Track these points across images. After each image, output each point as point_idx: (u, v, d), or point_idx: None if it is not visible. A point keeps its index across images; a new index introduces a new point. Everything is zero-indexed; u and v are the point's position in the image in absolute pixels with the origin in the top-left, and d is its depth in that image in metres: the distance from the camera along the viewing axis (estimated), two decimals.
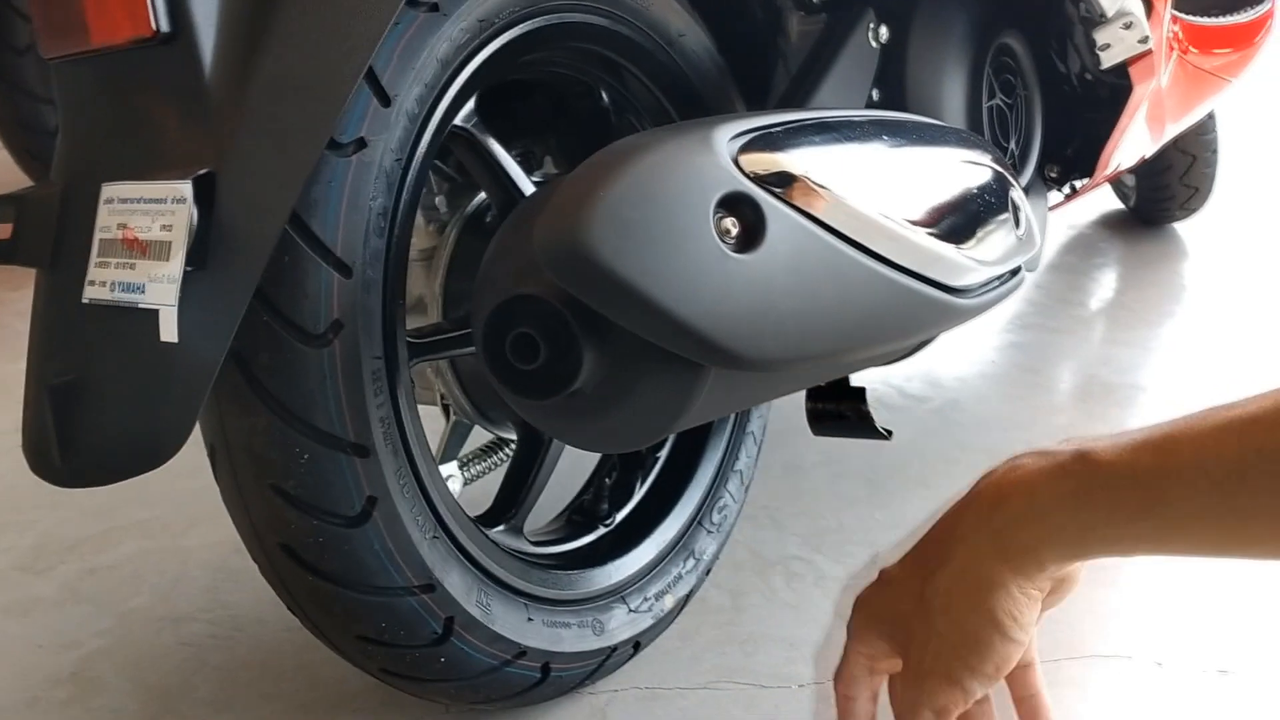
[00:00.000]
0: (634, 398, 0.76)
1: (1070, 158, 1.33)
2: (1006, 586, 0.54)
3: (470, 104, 0.92)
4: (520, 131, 1.08)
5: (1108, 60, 1.18)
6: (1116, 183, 2.45)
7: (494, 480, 1.09)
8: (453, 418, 1.07)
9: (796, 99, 1.11)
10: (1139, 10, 1.17)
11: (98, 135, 0.75)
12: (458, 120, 0.90)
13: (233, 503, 0.84)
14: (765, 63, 1.19)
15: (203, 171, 0.68)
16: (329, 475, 0.81)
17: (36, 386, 0.75)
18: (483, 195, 1.03)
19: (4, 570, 1.27)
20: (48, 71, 1.80)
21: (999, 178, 0.96)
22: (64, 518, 1.37)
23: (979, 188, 0.93)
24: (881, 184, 0.84)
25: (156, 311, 0.68)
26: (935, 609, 0.56)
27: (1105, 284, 2.36)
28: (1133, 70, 1.20)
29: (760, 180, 0.73)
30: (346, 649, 0.89)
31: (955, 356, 1.87)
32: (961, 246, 0.89)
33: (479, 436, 1.12)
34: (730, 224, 0.71)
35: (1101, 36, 1.16)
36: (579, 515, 1.12)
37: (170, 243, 0.68)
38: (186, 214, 0.67)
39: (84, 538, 1.33)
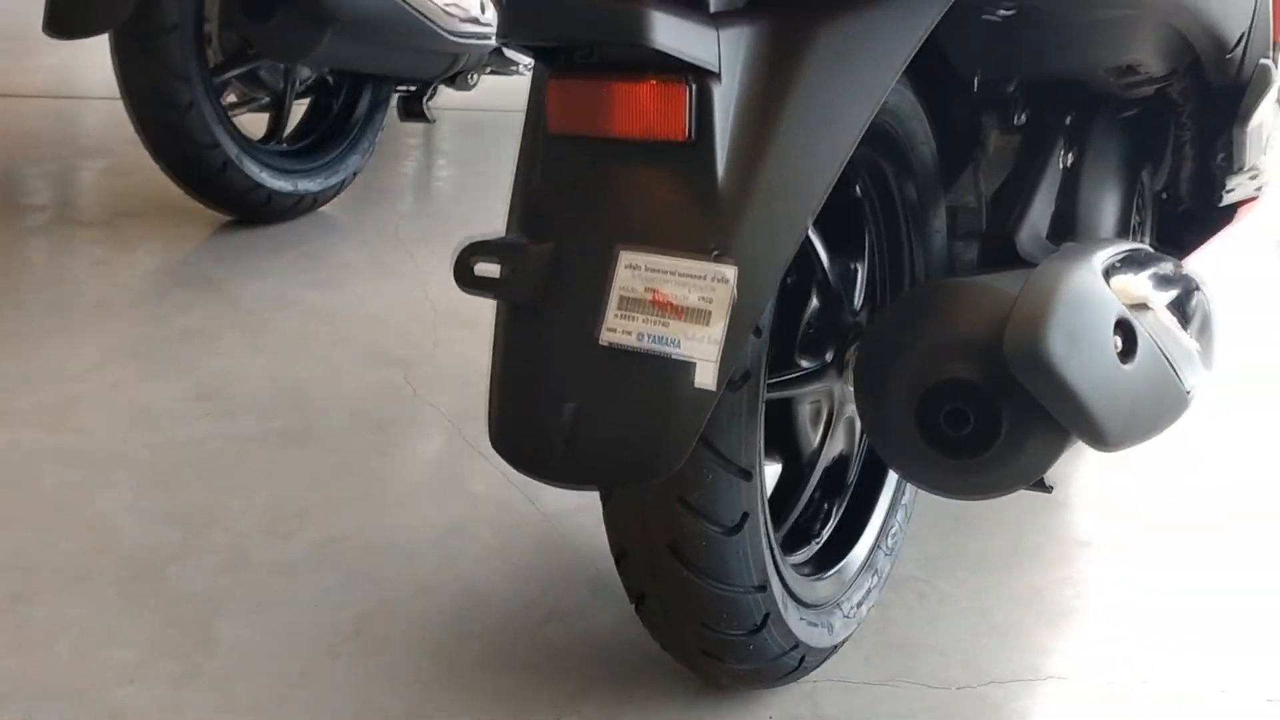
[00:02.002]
0: (1019, 460, 0.98)
1: None
2: None
3: None
4: None
5: (1227, 200, 1.46)
6: None
7: None
8: None
9: (1005, 207, 1.35)
10: (1265, 163, 1.45)
11: (609, 206, 0.92)
12: None
13: (627, 507, 1.03)
14: (959, 167, 1.42)
15: (730, 262, 0.87)
16: (723, 492, 1.01)
17: (529, 398, 0.92)
18: None
19: (251, 532, 1.41)
20: (188, 47, 1.91)
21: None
22: (280, 488, 1.51)
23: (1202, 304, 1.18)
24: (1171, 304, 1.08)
25: (692, 363, 0.87)
26: None
27: None
28: (1241, 209, 1.49)
29: (1130, 306, 0.97)
30: (682, 631, 1.09)
31: None
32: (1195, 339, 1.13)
33: None
34: (1117, 340, 0.94)
35: (1231, 182, 1.43)
36: (794, 532, 1.33)
37: (710, 311, 0.87)
38: (729, 292, 0.86)
39: (307, 507, 1.47)
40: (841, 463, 1.37)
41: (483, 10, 2.34)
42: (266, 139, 2.37)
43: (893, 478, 1.41)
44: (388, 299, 2.12)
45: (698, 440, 0.96)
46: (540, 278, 0.94)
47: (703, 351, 0.87)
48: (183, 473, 1.51)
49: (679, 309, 0.88)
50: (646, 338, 0.89)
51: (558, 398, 0.92)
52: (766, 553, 1.07)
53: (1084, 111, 1.39)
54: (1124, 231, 1.45)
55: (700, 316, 0.88)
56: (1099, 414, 0.91)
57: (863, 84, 0.94)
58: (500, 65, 2.55)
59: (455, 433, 1.70)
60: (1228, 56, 1.29)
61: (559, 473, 0.92)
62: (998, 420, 0.94)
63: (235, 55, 2.23)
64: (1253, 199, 1.48)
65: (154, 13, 1.98)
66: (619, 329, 0.90)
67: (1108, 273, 1.00)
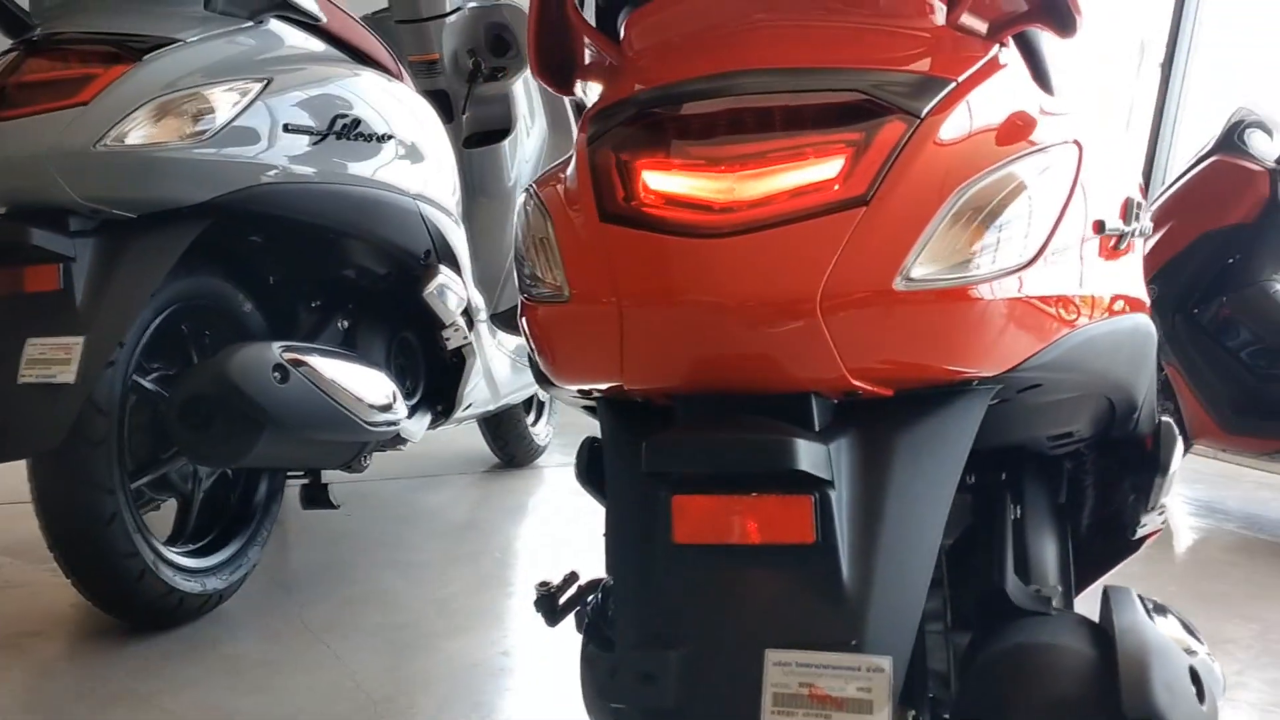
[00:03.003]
0: None
1: None
2: None
3: None
4: None
5: (1139, 534, 1.67)
6: None
7: None
8: None
9: (968, 559, 1.51)
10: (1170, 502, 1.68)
11: (746, 608, 1.02)
12: None
13: None
14: None
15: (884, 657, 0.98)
16: None
17: None
18: None
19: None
20: (111, 459, 1.91)
21: None
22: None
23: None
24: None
25: None
26: None
27: None
28: (1148, 539, 1.71)
29: (1187, 651, 1.12)
30: None
31: None
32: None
33: None
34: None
35: (1144, 519, 1.66)
36: None
37: (872, 701, 0.97)
38: (886, 680, 0.97)
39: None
40: None
41: (394, 399, 2.44)
42: (173, 540, 2.34)
43: None
44: (320, 695, 2.08)
45: None
46: (684, 683, 1.01)
47: None
48: None
49: (838, 700, 0.98)
50: None
51: None
52: None
53: (1022, 470, 1.60)
54: (1066, 570, 1.64)
55: (862, 706, 0.97)
56: None
57: (939, 475, 1.10)
58: (392, 445, 2.63)
59: None
60: (1134, 415, 1.53)
61: None
62: None
63: (148, 461, 2.23)
64: (1158, 530, 1.71)
65: (80, 428, 1.98)
66: None
67: (1152, 614, 1.16)
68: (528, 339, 1.24)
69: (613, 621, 1.32)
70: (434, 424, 2.90)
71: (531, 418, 4.12)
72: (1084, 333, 1.17)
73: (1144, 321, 1.37)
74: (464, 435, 4.52)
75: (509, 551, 3.13)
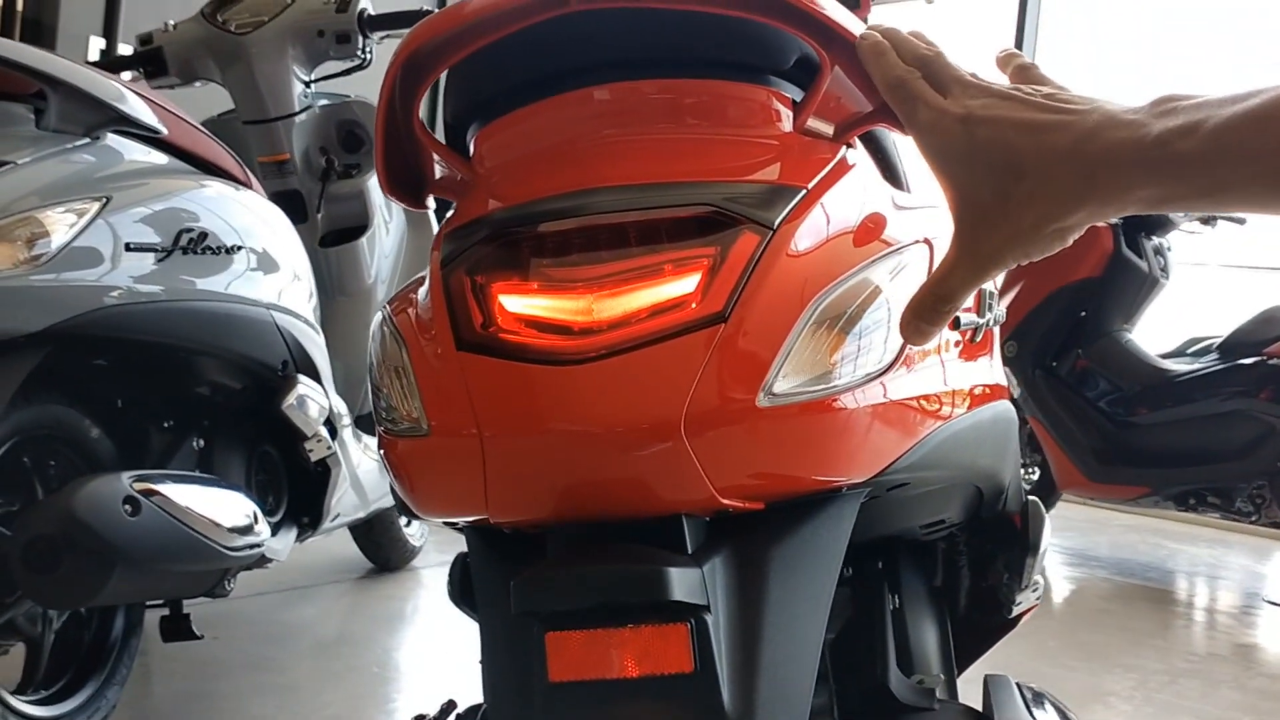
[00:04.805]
0: None
1: None
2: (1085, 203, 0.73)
3: None
4: None
5: (1015, 612, 1.68)
6: None
7: None
8: None
9: (850, 653, 1.50)
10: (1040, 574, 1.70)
11: None
12: None
13: None
14: None
15: None
16: None
17: None
18: None
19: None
20: None
21: None
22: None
23: None
24: None
25: None
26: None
27: None
28: (1024, 616, 1.72)
29: None
30: None
31: None
32: None
33: None
34: None
35: (1019, 597, 1.66)
36: None
37: None
38: None
39: None
40: None
41: (255, 519, 2.34)
42: (22, 689, 2.19)
43: None
44: None
45: None
46: None
47: None
48: None
49: None
50: None
51: None
52: None
53: (897, 558, 1.59)
54: (947, 656, 1.64)
55: None
56: None
57: (817, 583, 1.08)
58: (256, 566, 2.53)
59: None
60: (1001, 497, 1.54)
61: None
62: None
63: None
64: (1034, 606, 1.72)
65: None
66: None
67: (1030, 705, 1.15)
68: (387, 470, 1.19)
69: None
70: (300, 537, 2.80)
71: (404, 519, 4.02)
72: (948, 427, 1.18)
73: (1005, 408, 1.39)
74: (334, 540, 4.39)
75: (387, 665, 3.02)
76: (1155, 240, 5.01)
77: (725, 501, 1.01)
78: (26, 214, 2.00)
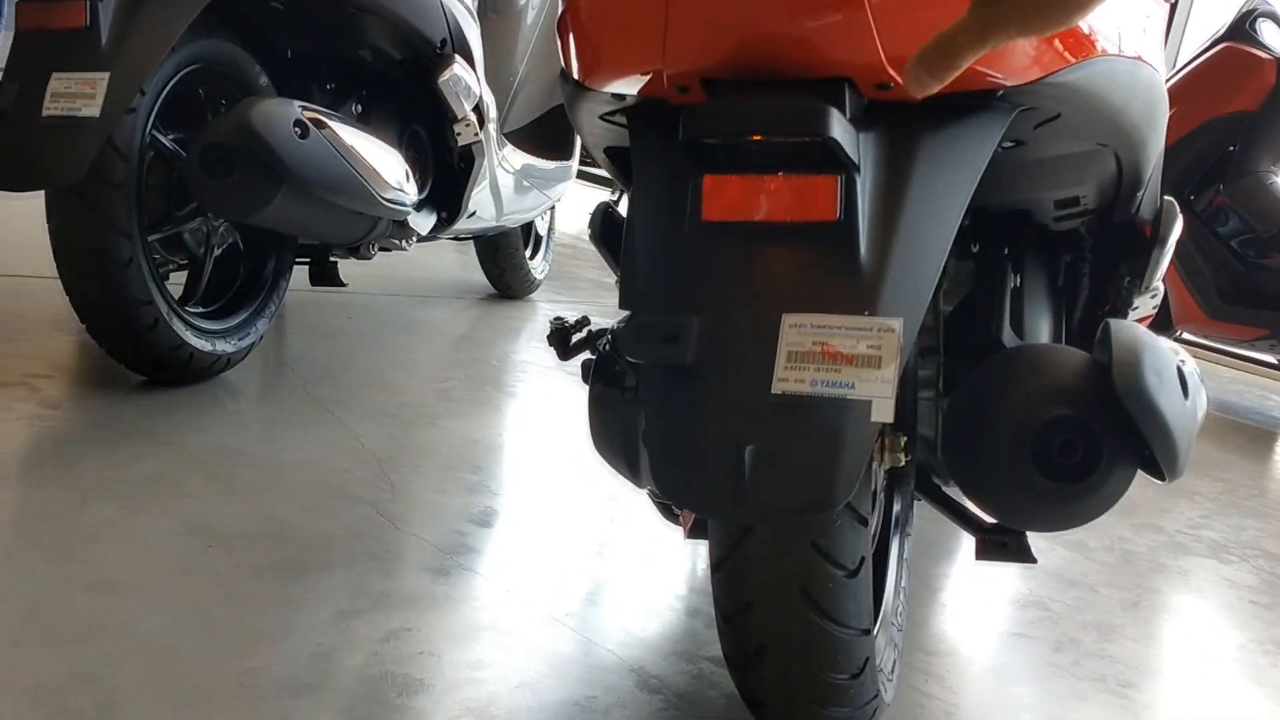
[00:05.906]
0: (1109, 487, 1.15)
1: None
2: None
3: None
4: None
5: (1132, 318, 1.73)
6: None
7: None
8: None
9: (966, 324, 1.57)
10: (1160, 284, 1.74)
11: (769, 280, 1.07)
12: None
13: (758, 559, 1.15)
14: None
15: (895, 319, 1.03)
16: (848, 536, 1.14)
17: (701, 447, 1.04)
18: None
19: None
20: (130, 204, 1.95)
21: None
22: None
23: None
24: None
25: (867, 401, 1.01)
26: None
27: None
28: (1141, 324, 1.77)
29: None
30: (794, 673, 1.19)
31: None
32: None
33: None
34: (1178, 380, 1.15)
35: (1136, 301, 1.71)
36: None
37: (881, 356, 1.02)
38: (896, 339, 1.02)
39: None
40: None
41: (406, 178, 2.46)
42: (183, 300, 2.38)
43: (900, 564, 1.56)
44: (324, 449, 2.15)
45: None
46: (704, 344, 1.07)
47: (879, 390, 1.02)
48: (215, 597, 1.50)
49: (849, 357, 1.03)
50: (820, 384, 1.03)
51: (735, 443, 1.04)
52: (873, 601, 1.20)
53: (1023, 243, 1.65)
54: (1058, 341, 1.70)
55: (871, 361, 1.03)
56: (1180, 441, 1.11)
57: (957, 179, 1.14)
58: (398, 236, 2.66)
59: (448, 558, 1.75)
60: (1138, 194, 1.57)
61: (740, 511, 1.03)
62: (1099, 451, 1.12)
63: (163, 217, 2.26)
64: (1150, 315, 1.77)
65: (101, 169, 2.00)
66: (790, 379, 1.04)
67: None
68: (567, 37, 1.26)
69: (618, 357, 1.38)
70: (438, 228, 2.93)
71: (529, 251, 4.15)
72: (1109, 63, 1.21)
73: (1159, 82, 1.41)
74: (459, 268, 4.56)
75: (506, 362, 3.19)
76: None
77: (890, 72, 1.07)
78: None
